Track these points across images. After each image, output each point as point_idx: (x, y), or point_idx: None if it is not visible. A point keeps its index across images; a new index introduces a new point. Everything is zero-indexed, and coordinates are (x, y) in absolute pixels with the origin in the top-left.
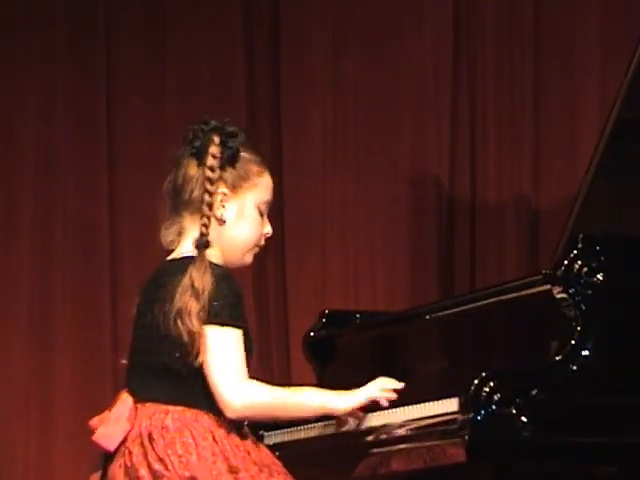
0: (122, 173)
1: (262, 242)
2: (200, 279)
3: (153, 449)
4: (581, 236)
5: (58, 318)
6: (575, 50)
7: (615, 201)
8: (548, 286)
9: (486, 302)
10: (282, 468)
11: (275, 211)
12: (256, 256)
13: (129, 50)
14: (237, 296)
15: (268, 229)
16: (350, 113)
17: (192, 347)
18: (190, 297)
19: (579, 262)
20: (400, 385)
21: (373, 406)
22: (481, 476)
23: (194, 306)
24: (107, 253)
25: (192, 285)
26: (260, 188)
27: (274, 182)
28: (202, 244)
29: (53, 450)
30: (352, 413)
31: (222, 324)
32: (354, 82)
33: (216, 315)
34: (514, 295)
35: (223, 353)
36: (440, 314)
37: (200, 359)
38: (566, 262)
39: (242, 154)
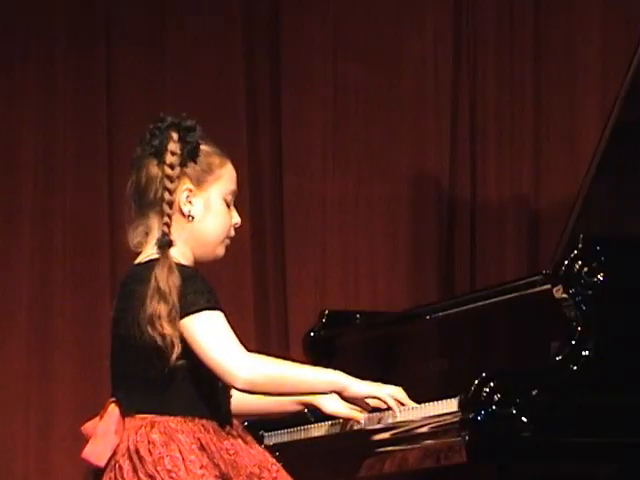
0: (122, 173)
1: (232, 233)
2: (165, 280)
3: (142, 466)
4: (581, 236)
5: (58, 318)
6: (575, 50)
7: (615, 201)
8: (548, 286)
9: (486, 302)
10: (275, 463)
11: (275, 210)
12: (228, 248)
13: (129, 50)
14: (208, 287)
15: (236, 219)
16: (350, 113)
17: (169, 350)
18: (158, 302)
19: (579, 262)
20: (412, 404)
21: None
22: (481, 476)
23: (163, 309)
24: (107, 253)
25: (158, 288)
26: (224, 179)
27: (275, 182)
28: (164, 243)
29: (53, 450)
30: (357, 402)
31: (199, 310)
32: (354, 82)
33: (191, 305)
34: (514, 295)
35: (213, 334)
36: (440, 314)
37: (175, 359)
38: (566, 262)
39: (202, 147)
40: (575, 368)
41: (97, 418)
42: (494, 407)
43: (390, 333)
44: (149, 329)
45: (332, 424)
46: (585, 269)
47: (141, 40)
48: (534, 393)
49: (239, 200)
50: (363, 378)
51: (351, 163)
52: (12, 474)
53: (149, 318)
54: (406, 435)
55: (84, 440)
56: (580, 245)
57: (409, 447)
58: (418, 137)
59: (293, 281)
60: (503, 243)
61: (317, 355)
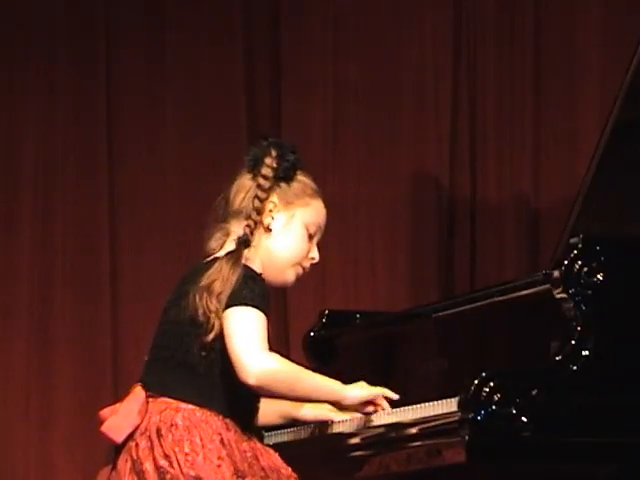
0: (122, 173)
1: (306, 264)
2: (228, 269)
3: (160, 445)
4: (581, 236)
5: (58, 318)
6: (575, 50)
7: (615, 201)
8: (548, 286)
9: (486, 302)
10: (291, 472)
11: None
12: (298, 278)
13: (129, 50)
14: (263, 292)
15: (315, 254)
16: (350, 113)
17: (207, 326)
18: (216, 280)
19: (579, 262)
20: (395, 396)
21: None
22: (481, 476)
23: (217, 287)
24: (107, 254)
25: (220, 270)
26: (312, 208)
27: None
28: (242, 241)
29: (53, 450)
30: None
31: (245, 304)
32: (354, 82)
33: (240, 298)
34: (514, 295)
35: (244, 327)
36: (440, 314)
37: (211, 338)
38: (566, 262)
39: (299, 175)
40: (575, 368)
41: (117, 404)
42: (494, 407)
43: (390, 333)
44: (197, 298)
45: (332, 424)
46: (585, 269)
47: (141, 40)
48: (534, 393)
49: None
50: (363, 378)
51: (351, 163)
52: (12, 474)
53: (200, 289)
54: (406, 435)
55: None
56: (580, 245)
57: (409, 447)
58: (418, 137)
59: None
60: (503, 243)
61: (317, 355)
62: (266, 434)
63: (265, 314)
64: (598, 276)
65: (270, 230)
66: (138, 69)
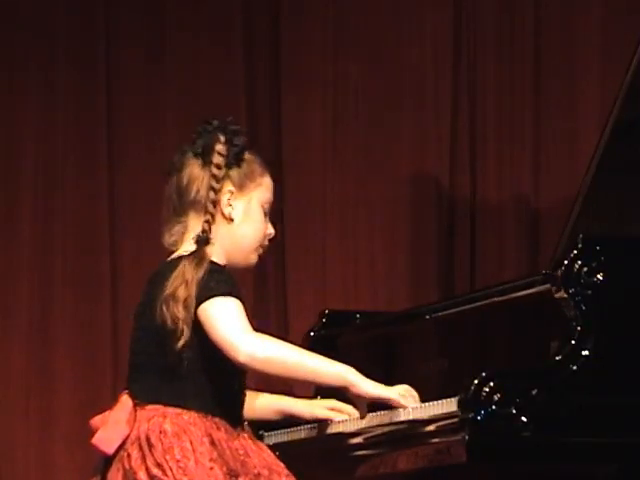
0: (122, 173)
1: (266, 243)
2: (192, 271)
3: (151, 453)
4: (581, 236)
5: (58, 318)
6: (575, 50)
7: (615, 201)
8: (548, 286)
9: (486, 302)
10: (284, 469)
11: (275, 211)
12: (259, 257)
13: (129, 50)
14: (231, 280)
15: (271, 230)
16: (350, 113)
17: (177, 334)
18: (180, 285)
19: (579, 262)
20: (407, 407)
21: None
22: (481, 476)
23: (182, 293)
24: (107, 253)
25: (183, 274)
26: (264, 188)
27: (275, 182)
28: (202, 240)
29: (53, 450)
30: (359, 402)
31: (216, 295)
32: (354, 82)
33: (211, 290)
34: (514, 295)
35: (224, 314)
36: (440, 314)
37: (181, 346)
38: (566, 262)
39: (246, 154)
40: (575, 368)
41: (107, 412)
42: (494, 407)
43: (390, 333)
44: (163, 307)
45: (332, 424)
46: (585, 269)
47: (141, 40)
48: (534, 393)
49: None
50: None
51: (351, 163)
52: (12, 474)
53: (165, 298)
54: (406, 435)
55: (84, 439)
56: (580, 245)
57: (409, 447)
58: (418, 137)
59: (293, 281)
60: (503, 243)
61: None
62: (266, 434)
63: (240, 299)
64: (598, 276)
65: (232, 219)
66: (138, 69)
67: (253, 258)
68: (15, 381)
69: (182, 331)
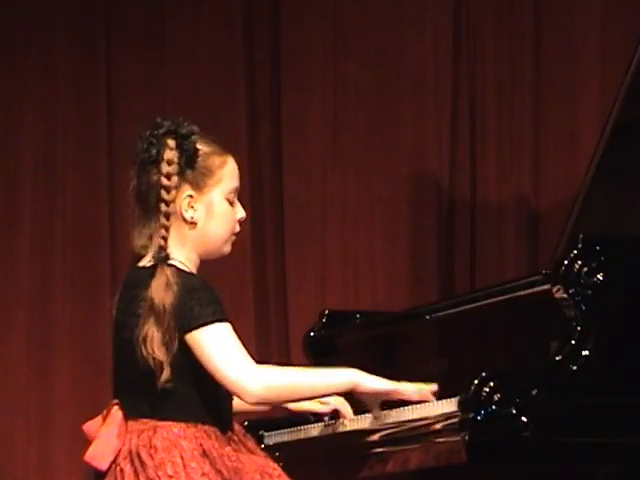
0: (122, 173)
1: (237, 228)
2: (160, 297)
3: (143, 470)
4: (581, 236)
5: (58, 318)
6: (575, 50)
7: (615, 201)
8: (548, 286)
9: (486, 302)
10: (276, 470)
11: (275, 210)
12: (234, 243)
13: (129, 50)
14: (214, 297)
15: (241, 214)
16: (350, 113)
17: (158, 373)
18: (152, 324)
19: (579, 262)
20: (414, 398)
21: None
22: (481, 476)
23: (155, 333)
24: (107, 253)
25: (152, 306)
26: (225, 179)
27: (275, 182)
28: (160, 259)
29: (53, 450)
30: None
31: (206, 323)
32: (354, 82)
33: (198, 318)
34: (514, 295)
35: (222, 350)
36: (440, 314)
37: (163, 382)
38: (566, 262)
39: (200, 149)
40: (575, 368)
41: (99, 418)
42: (494, 407)
43: (390, 333)
44: (143, 349)
45: (332, 424)
46: (585, 269)
47: (141, 40)
48: (534, 393)
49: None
50: None
51: (351, 163)
52: (12, 474)
53: (142, 339)
54: (406, 435)
55: (84, 439)
56: (580, 245)
57: (409, 447)
58: (418, 137)
59: (293, 281)
60: (503, 243)
61: (317, 355)
62: (266, 434)
63: (226, 320)
64: (598, 276)
65: (195, 223)
66: (138, 69)
67: (227, 248)
68: (15, 381)
69: (161, 370)
